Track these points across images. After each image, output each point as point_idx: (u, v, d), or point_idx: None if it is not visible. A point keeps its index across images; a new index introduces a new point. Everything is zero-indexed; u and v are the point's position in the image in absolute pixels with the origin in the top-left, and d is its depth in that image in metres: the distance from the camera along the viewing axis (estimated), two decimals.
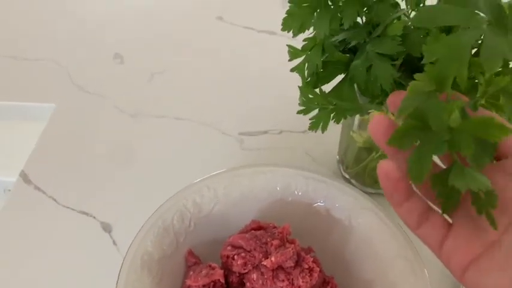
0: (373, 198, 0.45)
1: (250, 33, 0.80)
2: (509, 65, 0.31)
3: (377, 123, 0.26)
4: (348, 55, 0.39)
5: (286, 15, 0.37)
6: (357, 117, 0.48)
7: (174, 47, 0.79)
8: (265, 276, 0.40)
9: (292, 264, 0.40)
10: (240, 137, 0.63)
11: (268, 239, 0.41)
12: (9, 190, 0.61)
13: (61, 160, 0.62)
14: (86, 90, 0.71)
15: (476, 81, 0.32)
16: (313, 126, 0.39)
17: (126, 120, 0.67)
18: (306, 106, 0.40)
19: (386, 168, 0.25)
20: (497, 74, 0.31)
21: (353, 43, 0.38)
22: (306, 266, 0.40)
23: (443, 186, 0.24)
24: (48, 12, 0.88)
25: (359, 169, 0.53)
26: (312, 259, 0.41)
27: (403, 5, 0.37)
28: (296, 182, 0.47)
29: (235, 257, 0.41)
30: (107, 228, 0.54)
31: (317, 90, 0.39)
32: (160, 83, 0.72)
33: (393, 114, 0.26)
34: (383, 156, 0.43)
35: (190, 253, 0.44)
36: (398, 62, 0.36)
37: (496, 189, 0.23)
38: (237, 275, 0.41)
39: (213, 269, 0.41)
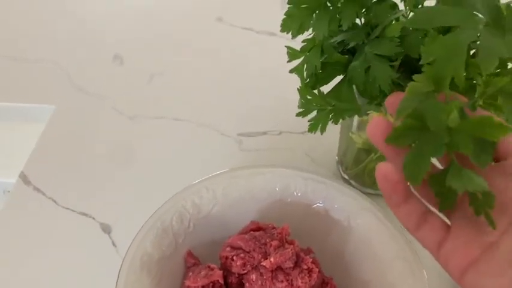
0: (372, 199, 0.45)
1: (250, 34, 0.80)
2: (508, 66, 0.31)
3: (375, 125, 0.26)
4: (346, 56, 0.39)
5: (285, 16, 0.38)
6: (356, 118, 0.48)
7: (173, 48, 0.79)
8: (265, 277, 0.40)
9: (292, 265, 0.40)
10: (239, 137, 0.64)
11: (267, 240, 0.41)
12: (9, 191, 0.61)
13: (60, 161, 0.62)
14: (85, 92, 0.71)
15: (475, 81, 0.32)
16: (312, 128, 0.40)
17: (125, 121, 0.67)
18: (305, 108, 0.40)
19: (385, 170, 0.25)
20: (496, 74, 0.31)
21: (352, 44, 0.38)
22: (305, 267, 0.40)
23: (440, 187, 0.24)
24: (48, 13, 0.88)
25: (358, 170, 0.53)
26: (311, 260, 0.41)
27: (401, 6, 0.37)
28: (295, 182, 0.47)
29: (235, 257, 0.41)
30: (106, 229, 0.54)
31: (316, 91, 0.39)
32: (160, 84, 0.72)
33: (392, 116, 0.26)
34: (382, 157, 0.44)
35: (190, 254, 0.45)
36: (396, 63, 0.36)
37: (495, 190, 0.23)
38: (236, 275, 0.41)
39: (212, 269, 0.41)
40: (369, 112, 0.41)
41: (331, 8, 0.36)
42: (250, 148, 0.62)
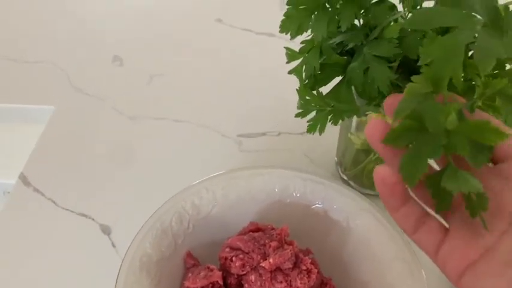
0: (371, 199, 0.45)
1: (249, 35, 0.81)
2: (506, 67, 0.32)
3: (373, 126, 0.26)
4: (345, 57, 0.39)
5: (284, 17, 0.38)
6: (355, 119, 0.48)
7: (173, 49, 0.79)
8: (264, 278, 0.40)
9: (291, 266, 0.40)
10: (238, 138, 0.64)
11: (267, 241, 0.41)
12: (9, 192, 0.61)
13: (60, 162, 0.62)
14: (85, 93, 0.71)
15: (473, 83, 0.32)
16: (310, 129, 0.40)
17: (125, 122, 0.67)
18: (304, 108, 0.40)
19: (383, 173, 0.25)
20: (494, 75, 0.31)
21: (350, 45, 0.38)
22: (304, 268, 0.40)
23: (437, 188, 0.24)
24: (48, 14, 0.88)
25: (357, 171, 0.53)
26: (310, 260, 0.41)
27: (400, 8, 0.37)
28: (294, 183, 0.47)
29: (234, 258, 0.41)
30: (106, 230, 0.54)
31: (314, 92, 0.39)
32: (159, 85, 0.72)
33: (390, 117, 0.26)
34: (381, 159, 0.44)
35: (189, 255, 0.45)
36: (395, 64, 0.36)
37: (491, 193, 0.23)
38: (235, 276, 0.41)
39: (212, 270, 0.41)
40: (367, 113, 0.41)
41: (329, 9, 0.36)
42: (250, 149, 0.63)
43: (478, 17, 0.27)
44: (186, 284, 0.41)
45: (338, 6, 0.36)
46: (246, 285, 0.40)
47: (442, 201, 0.24)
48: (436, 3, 0.35)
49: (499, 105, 0.29)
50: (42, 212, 0.56)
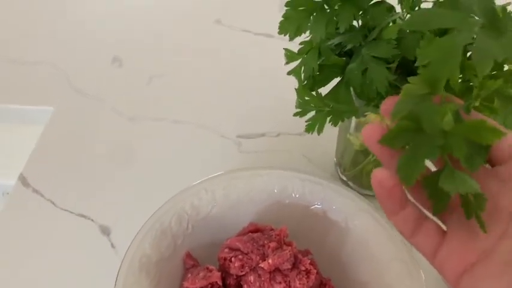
0: (370, 200, 0.45)
1: (248, 36, 0.81)
2: (504, 68, 0.32)
3: (370, 130, 0.26)
4: (344, 58, 0.39)
5: (282, 18, 0.38)
6: (354, 119, 0.48)
7: (172, 50, 0.79)
8: (263, 279, 0.40)
9: (289, 267, 0.40)
10: (238, 139, 0.64)
11: (266, 242, 0.41)
12: (8, 193, 0.61)
13: (59, 163, 0.62)
14: (84, 94, 0.71)
15: (471, 83, 0.33)
16: (309, 129, 0.40)
17: (124, 123, 0.67)
18: (303, 108, 0.40)
19: (380, 176, 0.25)
20: (493, 76, 0.31)
21: (349, 46, 0.38)
22: (303, 268, 0.40)
23: (434, 189, 0.24)
24: (47, 15, 0.88)
25: (356, 171, 0.53)
26: (309, 261, 0.41)
27: (398, 9, 0.38)
28: (293, 184, 0.47)
29: (233, 259, 0.41)
30: (105, 231, 0.54)
31: (313, 92, 0.40)
32: (159, 86, 0.73)
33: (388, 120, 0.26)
34: (379, 160, 0.44)
35: (188, 255, 0.45)
36: (393, 65, 0.36)
37: (489, 195, 0.23)
38: (235, 277, 0.41)
39: (211, 271, 0.41)
40: (366, 113, 0.41)
41: (328, 10, 0.36)
42: (249, 150, 0.63)
43: (476, 18, 0.27)
44: (185, 284, 0.41)
45: (336, 8, 0.36)
46: (245, 286, 0.41)
47: (439, 202, 0.25)
48: (435, 4, 0.35)
49: (497, 106, 0.29)
50: (41, 213, 0.56)
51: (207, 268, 0.42)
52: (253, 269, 0.41)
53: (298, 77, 0.41)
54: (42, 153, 0.63)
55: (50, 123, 0.67)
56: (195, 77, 0.74)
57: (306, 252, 0.44)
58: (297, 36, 0.38)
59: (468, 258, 0.25)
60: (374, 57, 0.35)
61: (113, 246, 0.53)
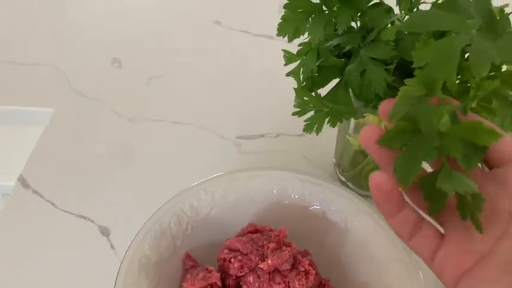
0: (369, 201, 0.45)
1: (248, 37, 0.81)
2: (501, 69, 0.32)
3: (368, 133, 0.26)
4: (342, 60, 0.39)
5: (281, 20, 0.38)
6: (353, 120, 0.48)
7: (171, 51, 0.80)
8: (262, 279, 0.40)
9: (289, 267, 0.40)
10: (237, 140, 0.64)
11: (265, 242, 0.42)
12: (8, 194, 0.61)
13: (59, 164, 0.62)
14: (83, 95, 0.71)
15: (469, 85, 0.33)
16: (307, 128, 0.40)
17: (124, 124, 0.67)
18: (301, 108, 0.40)
19: (378, 179, 0.25)
20: (490, 78, 0.31)
21: (347, 48, 0.38)
22: (302, 269, 0.40)
23: (430, 189, 0.24)
24: (46, 17, 0.88)
25: (355, 172, 0.53)
26: (308, 262, 0.41)
27: (396, 10, 0.38)
28: (292, 185, 0.47)
29: (232, 260, 0.41)
30: (104, 232, 0.54)
31: (312, 92, 0.40)
32: (158, 87, 0.73)
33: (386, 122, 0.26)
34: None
35: (188, 256, 0.45)
36: (392, 67, 0.36)
37: (487, 198, 0.23)
38: (234, 278, 0.41)
39: (210, 272, 0.42)
40: (365, 115, 0.41)
41: (326, 12, 0.36)
42: (249, 151, 0.63)
43: (473, 20, 0.27)
44: (185, 285, 0.41)
45: (335, 9, 0.36)
46: (245, 287, 0.41)
47: (435, 203, 0.25)
48: (433, 6, 0.35)
49: (495, 107, 0.29)
50: (41, 214, 0.56)
51: (207, 269, 0.42)
52: (253, 270, 0.41)
53: (297, 78, 0.41)
54: (42, 154, 0.63)
55: (49, 124, 0.67)
56: (194, 77, 0.74)
57: (305, 253, 0.44)
58: (295, 37, 0.38)
59: (466, 261, 0.25)
60: (372, 58, 0.35)
61: (112, 247, 0.53)
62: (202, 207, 0.46)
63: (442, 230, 0.27)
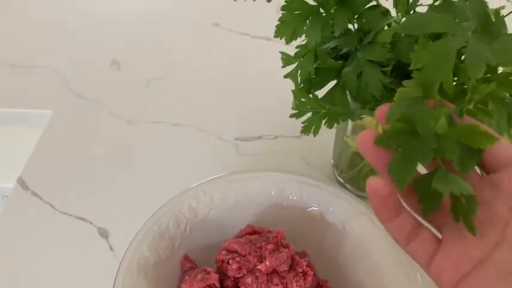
0: (367, 202, 0.45)
1: (246, 39, 0.81)
2: (497, 71, 0.32)
3: (365, 138, 0.26)
4: (340, 62, 0.39)
5: (278, 22, 0.38)
6: (350, 122, 0.49)
7: (170, 53, 0.80)
8: (260, 280, 0.40)
9: (287, 268, 0.40)
10: (235, 142, 0.64)
11: (263, 244, 0.42)
12: (7, 196, 0.61)
13: (58, 166, 0.62)
14: (82, 97, 0.72)
15: (465, 87, 0.33)
16: (305, 130, 0.40)
17: (122, 126, 0.67)
18: (299, 110, 0.40)
19: (376, 185, 0.25)
20: (487, 79, 0.32)
21: (345, 50, 0.38)
22: (300, 270, 0.40)
23: (425, 191, 0.24)
24: (44, 19, 0.88)
25: (353, 173, 0.53)
26: (306, 263, 0.41)
27: (393, 13, 0.38)
28: (290, 186, 0.47)
29: (230, 261, 0.41)
30: (103, 233, 0.55)
31: (310, 94, 0.40)
32: (157, 89, 0.73)
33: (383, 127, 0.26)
34: None
35: (186, 258, 0.45)
36: (388, 69, 0.36)
37: (484, 203, 0.24)
38: (232, 279, 0.42)
39: (208, 273, 0.42)
40: (362, 116, 0.41)
41: (324, 14, 0.37)
42: (247, 152, 0.63)
43: (469, 22, 0.27)
44: (183, 286, 0.41)
45: (332, 12, 0.36)
46: None
47: (428, 204, 0.25)
48: (430, 8, 0.35)
49: (491, 109, 0.29)
50: (40, 216, 0.57)
51: (205, 270, 0.42)
52: (251, 271, 0.41)
53: (294, 80, 0.41)
54: (41, 156, 0.63)
55: (48, 126, 0.67)
56: (193, 79, 0.74)
57: (303, 254, 0.45)
58: (292, 40, 0.38)
59: (463, 266, 0.25)
60: (369, 60, 0.36)
61: (111, 248, 0.53)
62: (201, 209, 0.46)
63: (439, 235, 0.27)
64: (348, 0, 0.36)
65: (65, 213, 0.57)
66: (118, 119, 0.68)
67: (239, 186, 0.47)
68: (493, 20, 0.29)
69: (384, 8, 0.38)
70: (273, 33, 0.39)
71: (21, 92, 0.74)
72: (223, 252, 0.42)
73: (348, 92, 0.39)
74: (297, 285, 0.40)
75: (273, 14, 0.78)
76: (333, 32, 0.36)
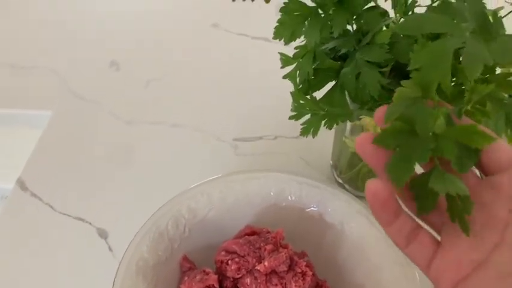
0: (365, 203, 0.45)
1: (245, 40, 0.81)
2: (496, 72, 0.32)
3: (364, 140, 0.25)
4: (338, 62, 0.39)
5: (277, 24, 0.38)
6: (349, 123, 0.49)
7: (169, 54, 0.80)
8: (259, 281, 0.40)
9: (285, 269, 0.40)
10: (234, 142, 0.64)
11: (262, 244, 0.42)
12: (6, 197, 0.61)
13: (58, 167, 0.62)
14: (82, 98, 0.72)
15: (463, 87, 0.33)
16: (304, 132, 0.40)
17: (122, 127, 0.67)
18: (298, 111, 0.40)
19: (375, 188, 0.25)
20: (485, 80, 0.32)
21: (343, 51, 0.38)
22: (299, 270, 0.40)
23: (421, 190, 0.24)
24: (44, 20, 0.88)
25: (352, 174, 0.53)
26: (305, 263, 0.41)
27: (392, 14, 0.38)
28: (290, 187, 0.47)
29: (229, 262, 0.41)
30: (102, 234, 0.55)
31: (308, 96, 0.40)
32: (156, 90, 0.73)
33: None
34: None
35: (185, 258, 0.45)
36: (386, 69, 0.36)
37: (483, 206, 0.24)
38: (231, 279, 0.42)
39: (207, 274, 0.42)
40: (361, 117, 0.41)
41: (322, 15, 0.37)
42: (246, 153, 0.63)
43: (467, 23, 0.27)
44: (182, 287, 0.41)
45: (331, 13, 0.36)
46: None
47: (424, 203, 0.25)
48: (428, 9, 0.35)
49: (489, 110, 0.30)
50: (39, 217, 0.57)
51: (204, 271, 0.42)
52: (250, 272, 0.41)
53: (293, 80, 0.41)
54: (40, 157, 0.63)
55: (48, 127, 0.67)
56: (192, 80, 0.74)
57: (302, 254, 0.45)
58: (291, 41, 0.38)
59: (463, 269, 0.24)
60: (367, 61, 0.36)
61: (110, 249, 0.53)
62: (200, 210, 0.46)
63: (438, 238, 0.27)
64: (346, 2, 0.36)
65: (64, 214, 0.57)
66: (117, 119, 0.68)
67: (238, 186, 0.47)
68: (491, 20, 0.29)
69: (383, 9, 0.38)
70: (271, 34, 0.39)
71: (20, 92, 0.74)
72: (222, 252, 0.42)
73: (346, 93, 0.39)
74: (295, 286, 0.40)
75: (271, 14, 0.79)
76: (331, 33, 0.37)
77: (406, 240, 0.27)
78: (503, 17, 0.32)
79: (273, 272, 0.40)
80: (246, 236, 0.44)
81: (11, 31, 0.86)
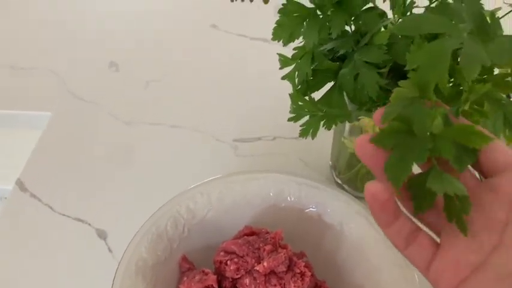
0: (364, 203, 0.45)
1: (244, 41, 0.81)
2: (493, 72, 0.32)
3: (363, 142, 0.25)
4: (337, 63, 0.39)
5: (276, 25, 0.38)
6: (348, 123, 0.49)
7: (168, 55, 0.80)
8: (258, 281, 0.40)
9: (284, 269, 0.40)
10: (234, 143, 0.64)
11: (261, 245, 0.42)
12: (5, 198, 0.61)
13: (57, 168, 0.62)
14: (81, 98, 0.72)
15: (461, 87, 0.33)
16: (303, 133, 0.40)
17: (121, 127, 0.67)
18: (297, 113, 0.40)
19: (374, 190, 0.25)
20: (483, 80, 0.32)
21: (342, 52, 0.38)
22: (298, 271, 0.40)
23: (419, 190, 0.25)
24: (43, 21, 0.88)
25: (351, 175, 0.53)
26: (303, 264, 0.41)
27: (390, 15, 0.38)
28: (289, 187, 0.47)
29: (228, 262, 0.41)
30: (102, 235, 0.55)
31: (307, 97, 0.40)
32: (155, 90, 0.73)
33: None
34: None
35: (184, 259, 0.45)
36: (385, 70, 0.37)
37: (482, 207, 0.24)
38: (230, 280, 0.42)
39: (206, 274, 0.42)
40: (359, 117, 0.42)
41: (321, 16, 0.37)
42: (246, 153, 0.63)
43: (465, 24, 0.27)
44: (181, 287, 0.41)
45: (329, 14, 0.36)
46: None
47: (421, 202, 0.25)
48: (426, 10, 0.35)
49: (487, 110, 0.30)
50: (39, 217, 0.57)
51: (203, 271, 0.42)
52: (249, 272, 0.41)
53: (292, 81, 0.41)
54: (39, 158, 0.63)
55: (47, 128, 0.67)
56: (191, 81, 0.74)
57: (301, 255, 0.45)
58: (290, 42, 0.38)
59: (462, 271, 0.24)
60: (366, 62, 0.36)
61: (109, 250, 0.53)
62: (199, 210, 0.46)
63: (438, 239, 0.27)
64: (344, 3, 0.36)
65: (64, 215, 0.57)
66: (116, 120, 0.68)
67: (237, 187, 0.47)
68: (489, 21, 0.29)
69: (381, 10, 0.38)
70: (270, 35, 0.39)
71: (20, 93, 0.74)
72: (221, 253, 0.42)
73: (345, 94, 0.39)
74: (294, 286, 0.40)
75: (270, 15, 0.79)
76: (330, 34, 0.37)
77: (405, 242, 0.27)
78: (501, 17, 0.32)
79: (272, 272, 0.40)
80: (245, 237, 0.44)
81: (11, 31, 0.87)
